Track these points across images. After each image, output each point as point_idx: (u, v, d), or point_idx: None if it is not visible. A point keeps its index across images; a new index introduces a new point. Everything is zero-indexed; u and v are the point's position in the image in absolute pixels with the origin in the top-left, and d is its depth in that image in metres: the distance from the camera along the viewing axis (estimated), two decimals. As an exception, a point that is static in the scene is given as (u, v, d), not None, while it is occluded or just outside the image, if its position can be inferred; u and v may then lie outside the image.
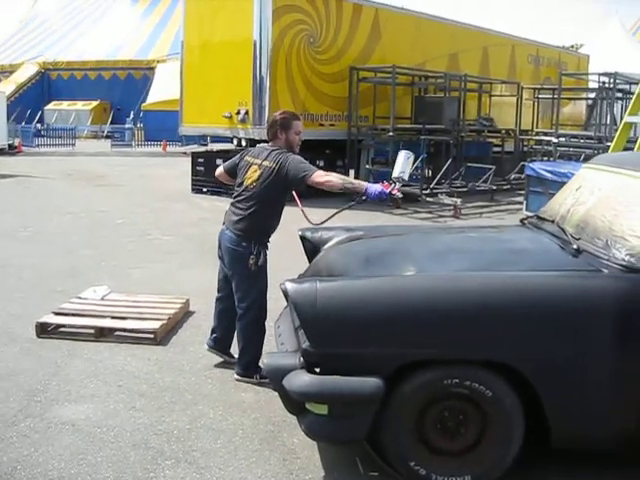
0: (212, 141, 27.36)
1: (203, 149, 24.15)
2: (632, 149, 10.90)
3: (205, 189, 16.68)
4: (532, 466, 3.99)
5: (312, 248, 5.50)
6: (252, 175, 5.19)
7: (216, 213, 5.57)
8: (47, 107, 41.22)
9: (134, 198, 15.93)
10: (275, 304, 5.30)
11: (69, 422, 4.59)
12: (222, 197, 14.72)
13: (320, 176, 4.95)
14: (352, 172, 17.44)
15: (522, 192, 15.73)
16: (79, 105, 40.86)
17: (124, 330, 6.25)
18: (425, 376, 3.72)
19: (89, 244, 10.36)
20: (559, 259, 4.28)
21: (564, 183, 5.88)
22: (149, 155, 30.04)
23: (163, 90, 33.91)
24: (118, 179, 20.10)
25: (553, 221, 4.91)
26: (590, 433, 3.83)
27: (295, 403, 3.86)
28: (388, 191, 4.95)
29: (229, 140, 18.99)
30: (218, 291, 5.57)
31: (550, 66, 25.07)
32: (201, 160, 17.52)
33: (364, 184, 5.07)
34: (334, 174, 5.16)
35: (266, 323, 5.31)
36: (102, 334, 6.19)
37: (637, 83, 12.19)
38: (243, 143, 16.65)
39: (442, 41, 20.03)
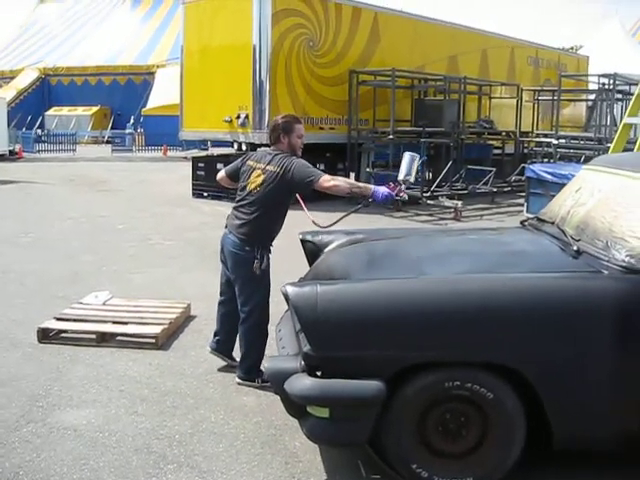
0: (213, 145, 27.39)
1: (204, 154, 24.17)
2: (632, 150, 10.91)
3: (206, 193, 16.70)
4: (532, 467, 3.99)
5: (313, 251, 5.50)
6: (256, 180, 5.19)
7: (217, 217, 5.59)
8: (48, 113, 41.30)
9: (135, 203, 15.95)
10: (276, 308, 5.30)
11: (71, 427, 4.60)
12: (223, 201, 14.77)
13: (327, 181, 4.97)
14: (352, 175, 17.38)
15: (523, 194, 15.75)
16: (79, 110, 40.94)
17: (125, 335, 6.26)
18: (426, 379, 3.72)
19: (90, 249, 10.37)
20: (559, 261, 4.29)
21: (564, 185, 5.89)
22: (150, 160, 30.08)
23: (163, 95, 33.99)
24: (119, 184, 20.12)
25: (553, 223, 4.92)
26: (591, 434, 3.83)
27: (297, 406, 3.86)
28: (395, 193, 5.02)
29: (229, 144, 19.01)
30: (220, 295, 5.58)
31: (550, 68, 25.09)
32: (202, 165, 17.53)
33: (371, 187, 5.11)
34: (341, 178, 5.22)
35: (268, 327, 5.32)
36: (104, 339, 6.20)
37: (637, 84, 12.18)
38: (244, 147, 16.66)
39: (441, 44, 20.06)
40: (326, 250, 5.34)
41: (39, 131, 35.62)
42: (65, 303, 7.06)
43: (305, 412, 3.81)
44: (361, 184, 5.51)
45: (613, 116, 19.33)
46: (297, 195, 5.38)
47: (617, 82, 18.90)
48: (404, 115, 18.56)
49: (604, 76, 19.32)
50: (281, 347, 4.57)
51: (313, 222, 5.38)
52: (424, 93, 19.86)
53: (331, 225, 5.52)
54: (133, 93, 40.04)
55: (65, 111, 41.04)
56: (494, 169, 17.98)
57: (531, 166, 15.11)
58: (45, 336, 6.20)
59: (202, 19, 17.30)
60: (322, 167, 15.98)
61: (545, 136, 20.13)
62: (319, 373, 3.75)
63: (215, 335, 5.64)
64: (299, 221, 5.67)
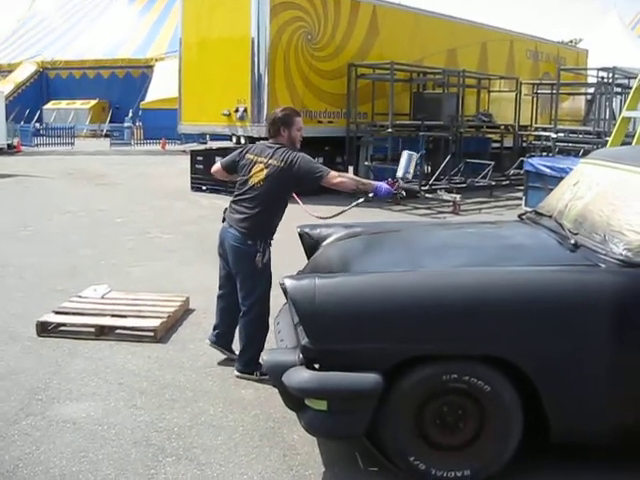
0: (211, 139, 27.35)
1: (202, 147, 24.15)
2: (630, 143, 10.92)
3: (204, 187, 16.69)
4: (528, 460, 4.00)
5: (311, 245, 5.51)
6: (259, 174, 5.19)
7: (215, 211, 5.59)
8: (46, 106, 41.22)
9: (133, 197, 15.94)
10: (275, 301, 5.31)
11: (70, 420, 4.61)
12: (221, 195, 14.75)
13: (334, 177, 5.09)
14: (351, 169, 17.44)
15: (521, 188, 15.75)
16: (78, 104, 40.85)
17: (124, 328, 6.27)
18: (424, 371, 3.73)
19: (89, 243, 10.37)
20: (557, 254, 4.30)
21: (563, 178, 5.90)
22: (148, 153, 30.03)
23: (162, 88, 33.91)
24: (117, 178, 20.11)
25: (551, 216, 4.92)
26: (588, 427, 3.85)
27: (294, 399, 3.88)
28: (394, 189, 5.24)
29: (228, 138, 19.00)
30: (219, 288, 5.59)
31: (549, 61, 25.06)
32: (200, 158, 17.51)
33: (374, 183, 5.29)
34: (346, 175, 5.41)
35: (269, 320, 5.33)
36: (102, 332, 6.21)
37: (636, 77, 12.18)
38: (242, 141, 16.65)
39: (440, 37, 20.03)
40: (324, 243, 5.36)
41: (37, 125, 35.51)
42: (64, 296, 7.06)
43: (303, 405, 3.83)
44: (365, 180, 5.67)
45: (612, 110, 19.32)
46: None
47: (616, 76, 18.88)
48: (403, 109, 18.54)
49: (603, 70, 19.30)
50: (279, 340, 4.58)
51: (312, 215, 5.42)
52: (423, 86, 19.83)
53: (331, 217, 5.61)
54: (131, 86, 39.93)
55: (63, 105, 40.95)
56: (493, 163, 17.97)
57: (530, 160, 15.10)
58: (44, 329, 6.21)
59: (200, 12, 17.27)
60: (321, 161, 15.93)
61: (544, 130, 20.12)
62: (317, 366, 3.76)
63: (214, 329, 5.65)
64: (297, 215, 5.68)
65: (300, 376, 3.76)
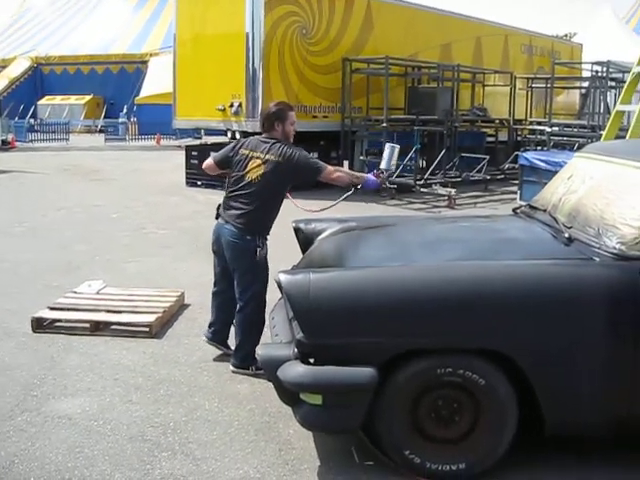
0: (206, 134, 27.28)
1: (197, 142, 24.10)
2: (624, 137, 10.93)
3: (199, 182, 16.65)
4: (522, 454, 4.01)
5: (306, 239, 5.52)
6: (256, 169, 5.18)
7: (211, 206, 5.57)
8: (40, 102, 41.06)
9: (128, 192, 15.92)
10: (270, 295, 5.31)
11: (65, 416, 4.62)
12: (217, 190, 14.69)
13: (331, 172, 5.24)
14: (346, 163, 17.44)
15: (516, 182, 15.77)
16: (72, 100, 40.69)
17: (119, 324, 6.27)
18: (419, 365, 3.75)
19: (84, 239, 10.36)
20: (551, 248, 4.31)
21: (557, 172, 5.90)
22: (143, 149, 30.00)
23: (156, 84, 33.81)
24: (112, 173, 20.08)
25: (545, 210, 4.93)
26: (583, 420, 3.87)
27: (290, 394, 3.88)
28: (380, 181, 5.42)
29: (223, 133, 18.97)
30: (214, 285, 5.59)
31: (543, 55, 25.06)
32: (195, 153, 17.48)
33: (364, 176, 5.49)
34: (341, 169, 5.51)
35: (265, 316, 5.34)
36: (97, 328, 6.21)
37: (629, 71, 12.19)
38: (237, 136, 16.62)
39: (435, 31, 20.01)
40: (319, 238, 5.36)
41: (32, 120, 35.37)
42: (59, 292, 7.05)
43: (298, 399, 3.84)
44: (357, 174, 5.78)
45: (606, 104, 19.33)
46: None
47: (610, 70, 18.89)
48: (397, 103, 18.53)
49: (597, 64, 19.31)
50: (274, 334, 4.59)
51: (302, 209, 5.47)
52: (418, 81, 19.82)
53: (321, 210, 5.70)
54: (126, 82, 39.80)
55: (58, 100, 40.80)
56: (487, 157, 17.99)
57: (524, 154, 15.12)
58: (39, 325, 6.21)
59: (194, 7, 17.24)
60: (316, 155, 15.93)
61: (539, 124, 20.15)
62: (312, 360, 3.77)
63: (210, 326, 5.65)
64: (292, 209, 5.69)
65: (295, 370, 3.77)
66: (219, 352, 5.64)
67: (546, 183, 5.74)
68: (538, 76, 22.32)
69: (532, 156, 14.29)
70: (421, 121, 17.30)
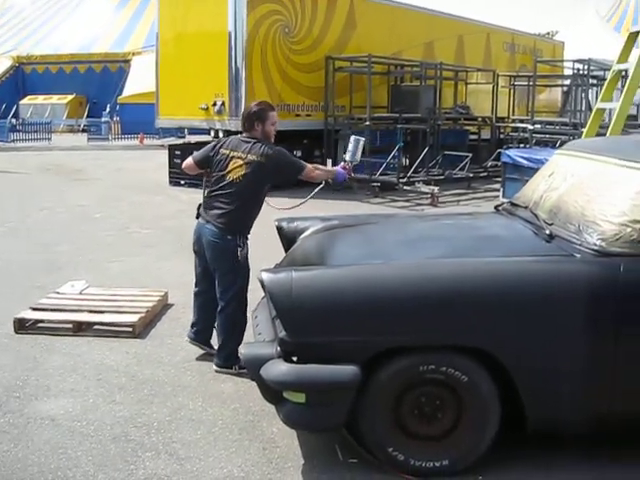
0: (189, 133, 27.22)
1: (180, 141, 24.03)
2: (605, 134, 10.99)
3: (183, 181, 16.55)
4: (505, 451, 4.03)
5: (288, 238, 5.53)
6: (238, 169, 5.18)
7: (194, 205, 5.56)
8: (22, 101, 40.77)
9: (112, 192, 15.85)
10: (252, 294, 5.32)
11: (48, 417, 4.60)
12: (200, 189, 14.63)
13: (312, 170, 5.36)
14: (329, 162, 17.42)
15: (499, 179, 15.81)
16: (54, 99, 40.43)
17: (102, 324, 6.25)
18: (401, 363, 3.76)
19: (67, 239, 10.31)
20: (532, 245, 4.33)
21: (539, 169, 5.93)
22: (126, 148, 29.86)
23: (139, 83, 33.64)
24: (95, 173, 19.98)
25: (526, 207, 4.95)
26: (564, 417, 3.89)
27: (273, 392, 3.89)
28: (347, 173, 5.59)
29: (206, 132, 18.94)
30: (196, 285, 5.58)
31: (525, 53, 25.19)
32: (178, 152, 17.40)
33: (335, 169, 5.68)
34: (319, 166, 5.64)
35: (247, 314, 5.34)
36: (80, 328, 6.19)
37: (610, 69, 12.26)
38: (220, 135, 16.59)
39: (418, 30, 20.07)
40: (301, 236, 5.37)
41: (14, 120, 35.12)
42: (41, 293, 7.02)
43: (281, 398, 3.84)
44: (329, 168, 6.16)
45: (588, 101, 19.46)
46: None
47: (592, 67, 19.01)
48: (381, 101, 18.57)
49: (579, 62, 19.43)
50: (257, 333, 4.59)
51: (277, 208, 5.71)
52: (400, 79, 19.87)
53: (292, 208, 5.85)
54: (109, 81, 39.58)
55: (40, 100, 40.52)
56: (470, 155, 18.03)
57: (507, 151, 15.16)
58: (21, 326, 6.18)
59: (177, 6, 17.18)
60: (299, 154, 16.01)
61: (521, 121, 20.21)
62: (295, 359, 3.77)
63: (193, 326, 5.64)
64: (271, 209, 5.71)
65: (278, 369, 3.77)
66: (202, 352, 5.64)
67: (528, 180, 5.77)
68: (520, 74, 22.42)
69: (514, 153, 14.34)
70: (404, 119, 17.34)
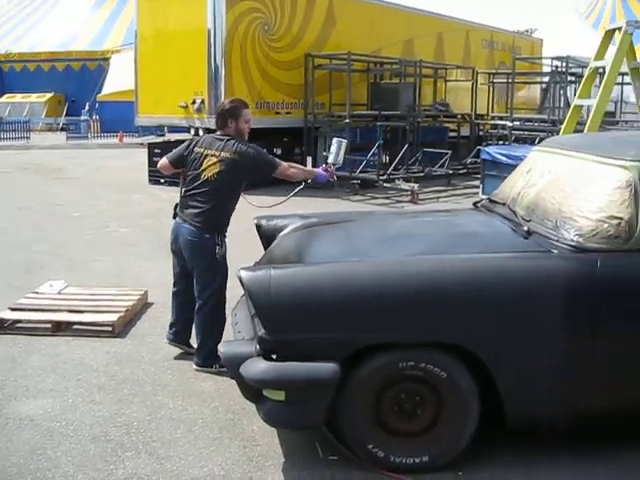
0: (169, 131, 27.11)
1: (160, 139, 23.94)
2: (582, 131, 11.07)
3: (162, 180, 16.45)
4: (487, 447, 4.05)
5: (268, 236, 5.52)
6: (212, 167, 5.18)
7: (173, 204, 5.55)
8: (0, 100, 40.52)
9: (91, 191, 15.77)
10: (232, 292, 5.32)
11: (27, 417, 4.57)
12: (179, 187, 14.64)
13: (287, 168, 5.28)
14: (309, 159, 17.44)
15: (478, 176, 15.89)
16: (33, 97, 40.14)
17: (82, 324, 6.21)
18: (381, 359, 3.77)
19: (46, 238, 10.25)
20: (510, 241, 4.35)
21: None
22: (106, 147, 29.71)
23: (119, 81, 33.46)
24: (74, 172, 19.87)
25: (504, 204, 4.98)
26: (542, 413, 3.92)
27: (253, 390, 3.89)
28: (329, 174, 5.55)
29: (186, 130, 18.86)
30: (174, 285, 5.57)
31: (504, 51, 25.28)
32: (158, 151, 17.29)
33: (315, 170, 5.66)
34: (295, 165, 5.56)
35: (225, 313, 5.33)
36: (59, 328, 6.15)
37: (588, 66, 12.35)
38: (200, 133, 16.54)
39: (397, 27, 20.07)
40: (281, 234, 5.37)
41: (-8, 119, 34.93)
42: (20, 293, 6.96)
43: (261, 396, 3.84)
44: (308, 169, 6.07)
45: (567, 98, 19.55)
46: None
47: (570, 64, 19.10)
48: (360, 99, 18.58)
49: (557, 59, 19.53)
50: (237, 331, 4.59)
51: (256, 206, 5.72)
52: (380, 77, 19.88)
53: (274, 205, 5.80)
54: (88, 79, 39.31)
55: (18, 98, 40.21)
56: (450, 152, 18.11)
57: (486, 148, 15.23)
58: (0, 327, 6.14)
59: (156, 3, 17.09)
60: (279, 152, 16.04)
61: (500, 118, 20.29)
62: (274, 356, 3.78)
63: (171, 326, 5.62)
64: (249, 206, 5.71)
65: (257, 367, 3.77)
66: (182, 351, 5.62)
67: (506, 177, 5.80)
68: (499, 71, 22.49)
69: (494, 150, 14.41)
70: (384, 117, 17.37)
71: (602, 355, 3.83)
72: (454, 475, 3.87)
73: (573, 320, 3.79)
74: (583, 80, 12.01)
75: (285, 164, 5.31)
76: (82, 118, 35.17)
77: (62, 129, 35.84)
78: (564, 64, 19.04)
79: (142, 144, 25.53)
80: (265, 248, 5.48)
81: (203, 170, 5.20)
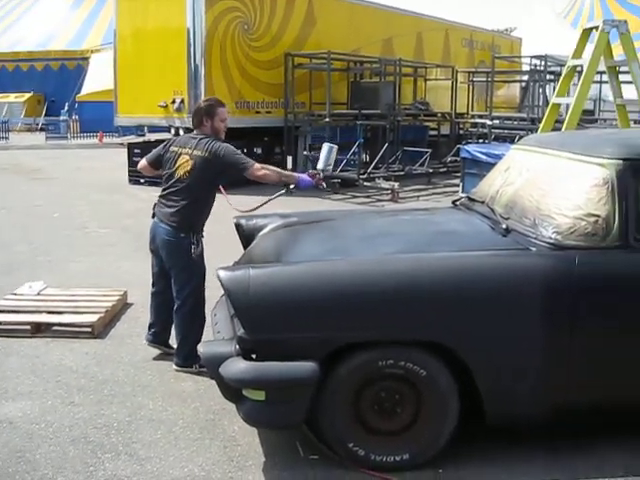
0: (150, 131, 27.00)
1: (140, 139, 23.84)
2: (561, 129, 11.13)
3: (142, 180, 16.35)
4: (465, 443, 4.07)
5: (247, 235, 5.51)
6: (184, 165, 5.17)
7: (153, 204, 5.53)
8: (-22, 100, 40.21)
9: (70, 191, 15.67)
10: (211, 292, 5.30)
11: (6, 420, 4.54)
12: (159, 187, 14.58)
13: (258, 170, 5.12)
14: (290, 159, 17.43)
15: (458, 174, 15.94)
16: (11, 97, 39.83)
17: (61, 325, 6.17)
18: (360, 358, 3.78)
19: (24, 239, 10.18)
20: (489, 239, 4.37)
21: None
22: (85, 147, 29.54)
23: (98, 80, 33.24)
24: (54, 172, 19.73)
25: (483, 202, 4.99)
26: (522, 411, 3.93)
27: (232, 390, 3.88)
28: (315, 181, 5.33)
29: (166, 130, 18.81)
30: (153, 286, 5.55)
31: (484, 49, 25.40)
32: (138, 151, 17.19)
33: (296, 175, 5.44)
34: (270, 167, 5.35)
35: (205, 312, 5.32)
36: (39, 330, 6.11)
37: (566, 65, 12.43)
38: (181, 132, 16.48)
39: (377, 26, 20.11)
40: (260, 234, 5.36)
41: (-30, 119, 34.64)
42: (-2, 294, 6.93)
43: (241, 396, 3.84)
44: (287, 172, 5.76)
45: (545, 96, 19.65)
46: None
47: (548, 63, 19.21)
48: (340, 98, 18.60)
49: (536, 57, 19.64)
50: (216, 332, 4.58)
51: (236, 209, 5.54)
52: (360, 76, 19.93)
53: (253, 210, 5.64)
54: (67, 79, 39.05)
55: (-4, 98, 40.01)
56: (430, 150, 18.17)
57: (466, 146, 15.31)
58: (-22, 328, 6.10)
59: (135, 2, 17.02)
60: (259, 151, 16.05)
61: (480, 117, 20.40)
62: (254, 356, 3.77)
63: (150, 327, 5.60)
64: (228, 206, 5.69)
65: (237, 367, 3.77)
66: (162, 352, 5.60)
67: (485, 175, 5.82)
68: (479, 70, 22.61)
69: (473, 149, 14.48)
70: (364, 115, 17.40)
71: (580, 352, 3.85)
72: (434, 473, 3.89)
73: (551, 317, 3.81)
74: (561, 78, 12.09)
75: (258, 165, 5.16)
76: (61, 118, 34.95)
77: (41, 129, 35.60)
78: (543, 63, 19.16)
79: (122, 144, 25.39)
80: (245, 248, 5.47)
81: (176, 169, 5.20)
